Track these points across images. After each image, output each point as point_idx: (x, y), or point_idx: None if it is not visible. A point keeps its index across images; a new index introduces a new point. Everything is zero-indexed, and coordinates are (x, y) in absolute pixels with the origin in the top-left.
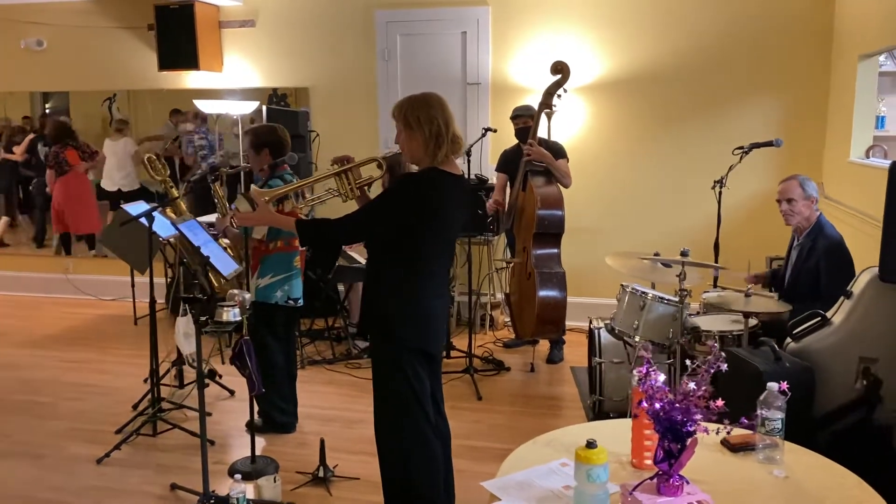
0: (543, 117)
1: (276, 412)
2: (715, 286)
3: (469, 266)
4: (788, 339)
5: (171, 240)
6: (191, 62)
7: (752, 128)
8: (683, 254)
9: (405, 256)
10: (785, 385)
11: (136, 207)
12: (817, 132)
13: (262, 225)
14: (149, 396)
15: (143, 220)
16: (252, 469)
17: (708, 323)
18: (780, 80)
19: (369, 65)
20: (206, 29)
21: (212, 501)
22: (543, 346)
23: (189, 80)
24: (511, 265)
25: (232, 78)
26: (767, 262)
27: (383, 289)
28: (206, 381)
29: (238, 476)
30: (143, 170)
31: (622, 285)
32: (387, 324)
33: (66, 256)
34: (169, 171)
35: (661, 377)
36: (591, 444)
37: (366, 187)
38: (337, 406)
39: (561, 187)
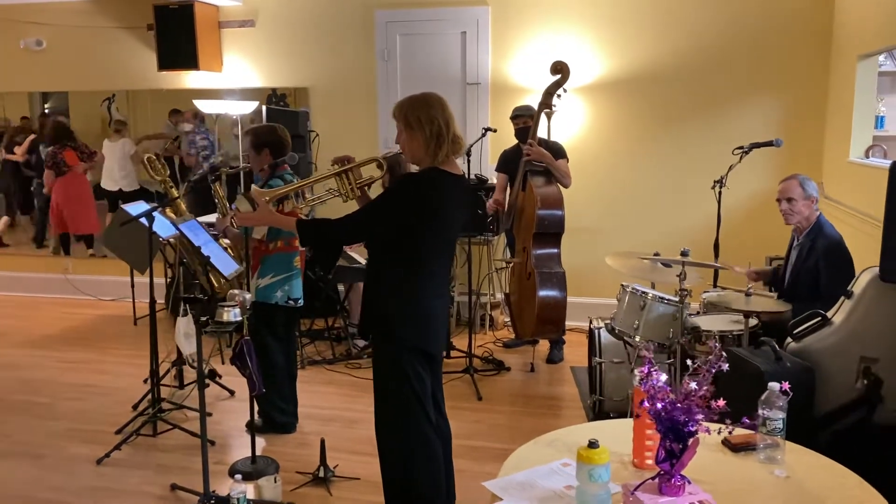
0: (543, 117)
1: (276, 412)
2: (715, 286)
3: (469, 266)
4: (789, 339)
5: (171, 240)
6: (190, 62)
7: (751, 128)
8: (683, 254)
9: (405, 256)
10: (787, 385)
11: (135, 208)
12: (817, 132)
13: (262, 225)
14: (149, 397)
15: (143, 220)
16: (252, 469)
17: (708, 323)
18: (780, 80)
19: (369, 65)
20: (206, 29)
21: (212, 502)
22: (543, 346)
23: (188, 80)
24: (511, 265)
25: (231, 78)
26: (767, 262)
27: (384, 289)
28: (207, 381)
29: (238, 476)
30: (142, 170)
31: (622, 285)
32: (387, 324)
33: (64, 257)
34: (169, 171)
35: (663, 377)
36: (592, 444)
37: (366, 187)
38: (337, 406)
39: (561, 187)
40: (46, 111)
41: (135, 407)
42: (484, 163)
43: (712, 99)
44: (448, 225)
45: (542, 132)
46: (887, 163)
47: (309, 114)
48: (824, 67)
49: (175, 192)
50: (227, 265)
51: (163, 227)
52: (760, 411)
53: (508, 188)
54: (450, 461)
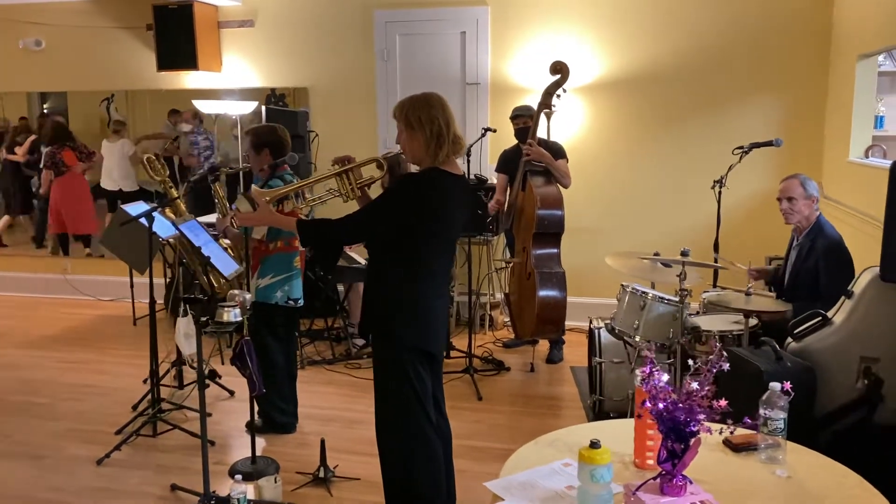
0: (543, 117)
1: (276, 412)
2: (714, 286)
3: (469, 266)
4: (789, 339)
5: (171, 240)
6: (189, 62)
7: (751, 128)
8: (684, 254)
9: (406, 256)
10: (788, 385)
11: (135, 208)
12: (816, 132)
13: (262, 225)
14: (148, 397)
15: (142, 220)
16: (252, 469)
17: (708, 323)
18: (780, 80)
19: (368, 65)
20: (205, 29)
21: (212, 502)
22: (543, 345)
23: (188, 80)
24: (510, 265)
25: (231, 78)
26: (767, 262)
27: (384, 289)
28: (207, 381)
29: (239, 477)
30: (141, 170)
31: (622, 285)
32: (387, 324)
33: (63, 257)
34: (168, 172)
35: (665, 377)
36: (594, 445)
37: (366, 187)
38: (337, 406)
39: (560, 187)
40: (45, 111)
41: (134, 407)
42: (483, 163)
43: (712, 99)
44: (448, 225)
45: (541, 132)
46: (887, 163)
47: (308, 114)
48: (824, 67)
49: (175, 193)
50: (227, 265)
51: (162, 227)
52: (762, 411)
53: (508, 188)
54: (450, 461)
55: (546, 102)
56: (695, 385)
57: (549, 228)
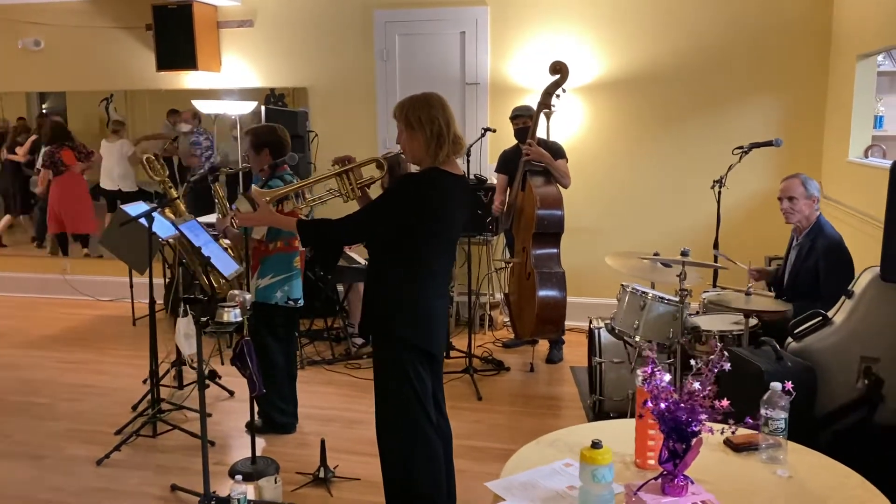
0: (542, 117)
1: (276, 413)
2: (714, 285)
3: (469, 266)
4: (789, 339)
5: (171, 240)
6: (189, 62)
7: (751, 128)
8: (684, 253)
9: (406, 256)
10: (789, 385)
11: (135, 208)
12: (816, 132)
13: (263, 225)
14: (148, 397)
15: (142, 220)
16: (253, 470)
17: (708, 322)
18: (779, 79)
19: (368, 65)
20: (205, 29)
21: (212, 502)
22: (543, 345)
23: (187, 80)
24: (510, 265)
25: (230, 78)
26: (766, 262)
27: (384, 289)
28: (207, 381)
29: (239, 477)
30: (141, 170)
31: (622, 285)
32: (388, 324)
33: (63, 257)
34: (168, 172)
35: (667, 377)
36: (596, 445)
37: (366, 187)
38: (337, 406)
39: (560, 187)
40: (44, 111)
41: (134, 408)
42: (483, 163)
43: (712, 99)
44: (449, 225)
45: (541, 132)
46: (886, 163)
47: (308, 114)
48: (823, 67)
49: (174, 193)
50: (227, 266)
51: (162, 227)
52: (763, 411)
53: (508, 189)
54: (450, 461)
55: (545, 102)
56: (696, 385)
57: (548, 228)
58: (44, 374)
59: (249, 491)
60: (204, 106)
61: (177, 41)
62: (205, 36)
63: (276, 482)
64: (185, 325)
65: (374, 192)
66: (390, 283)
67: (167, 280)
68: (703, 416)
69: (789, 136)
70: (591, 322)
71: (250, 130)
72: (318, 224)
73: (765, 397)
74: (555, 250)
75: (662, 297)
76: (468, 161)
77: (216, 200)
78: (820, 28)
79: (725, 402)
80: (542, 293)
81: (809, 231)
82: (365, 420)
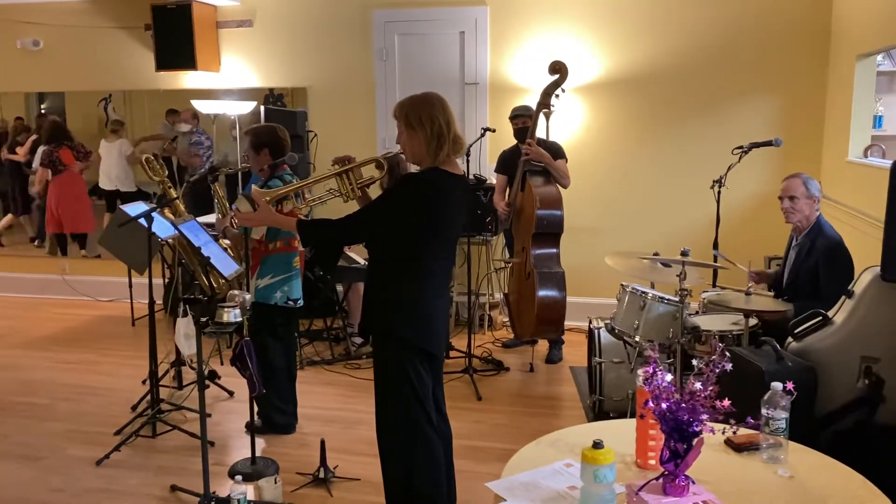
0: (542, 117)
1: (275, 413)
2: (714, 285)
3: (468, 266)
4: (789, 339)
5: (170, 241)
6: (188, 62)
7: (750, 127)
8: (684, 253)
9: (406, 256)
10: (791, 385)
11: (134, 208)
12: (815, 132)
13: (263, 225)
14: (148, 398)
15: (141, 220)
16: (252, 470)
17: (708, 322)
18: (779, 79)
19: (367, 65)
20: (204, 29)
21: (212, 503)
22: (542, 345)
23: (186, 80)
24: (510, 265)
25: (229, 78)
26: (766, 262)
27: (384, 289)
28: (206, 382)
29: (239, 477)
30: (140, 171)
31: (622, 285)
32: (388, 324)
33: (61, 257)
34: (167, 172)
35: (668, 377)
36: (597, 445)
37: (366, 187)
38: (337, 407)
39: (560, 187)
40: (43, 111)
41: (134, 408)
42: (483, 163)
43: (711, 99)
44: (449, 225)
45: (540, 132)
46: (885, 162)
47: (307, 114)
48: (823, 67)
49: (174, 193)
50: (227, 266)
51: (162, 227)
52: (764, 411)
53: (508, 189)
54: (450, 462)
55: (545, 102)
56: (698, 385)
57: (548, 228)
58: (43, 375)
59: (249, 491)
60: (203, 106)
61: (176, 41)
62: (204, 36)
63: (275, 482)
64: (185, 325)
65: (374, 192)
66: (390, 283)
67: (166, 280)
68: (705, 416)
69: (789, 136)
70: (590, 322)
71: (250, 130)
72: (318, 224)
73: (766, 397)
74: (554, 250)
75: (662, 297)
76: (468, 161)
77: (215, 200)
78: (819, 28)
79: (727, 402)
80: (541, 293)
81: (809, 231)
82: (365, 420)
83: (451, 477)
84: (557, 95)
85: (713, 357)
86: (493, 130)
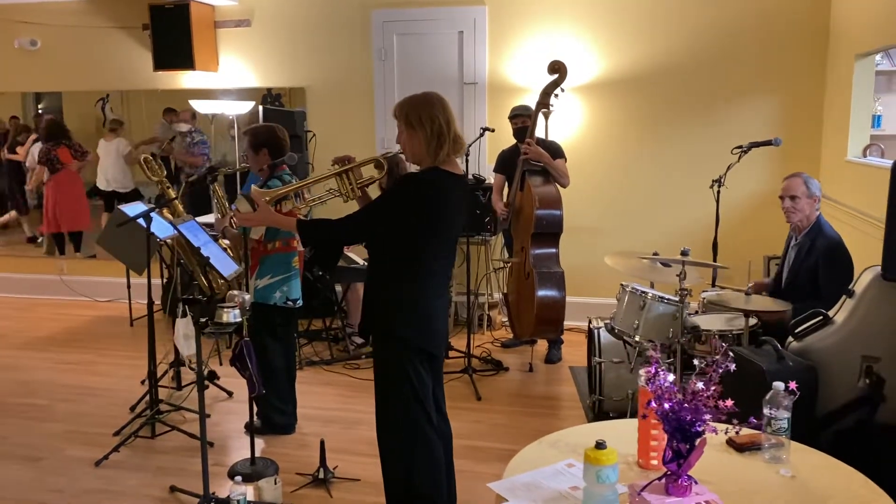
0: (541, 117)
1: (275, 413)
2: (713, 285)
3: (467, 266)
4: (790, 338)
5: (169, 241)
6: (186, 62)
7: (749, 127)
8: (684, 253)
9: (406, 256)
10: (793, 385)
11: (133, 208)
12: (814, 131)
13: (262, 225)
14: (146, 398)
15: (140, 220)
16: (252, 471)
17: (707, 322)
18: (778, 79)
19: (366, 65)
20: (202, 29)
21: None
22: (542, 345)
23: (184, 80)
24: (509, 265)
25: (227, 78)
26: (765, 262)
27: (384, 289)
28: (206, 382)
29: (238, 478)
30: (138, 170)
31: (622, 285)
32: (388, 324)
33: (58, 256)
34: (165, 172)
35: (671, 377)
36: (600, 445)
37: (366, 187)
38: (336, 407)
39: (559, 187)
40: (40, 111)
41: (132, 409)
42: (482, 163)
43: (711, 98)
44: (449, 225)
45: (539, 132)
46: (884, 162)
47: (305, 114)
48: (822, 67)
49: (172, 193)
50: (226, 266)
51: (160, 227)
52: (766, 411)
53: (507, 188)
54: (450, 461)
55: (544, 102)
56: (700, 385)
57: (547, 228)
58: (41, 376)
59: (249, 492)
60: (201, 106)
61: (174, 41)
62: (202, 36)
63: (275, 483)
64: (185, 325)
65: (373, 192)
66: (390, 283)
67: (164, 280)
68: (707, 416)
69: (788, 136)
70: (590, 322)
71: (249, 130)
72: (318, 224)
73: (767, 397)
74: (554, 250)
75: (662, 297)
76: (466, 161)
77: (214, 201)
78: (818, 27)
79: (729, 402)
80: (541, 293)
81: (809, 230)
82: (364, 420)
83: (452, 477)
84: (557, 95)
85: (716, 357)
86: (493, 130)
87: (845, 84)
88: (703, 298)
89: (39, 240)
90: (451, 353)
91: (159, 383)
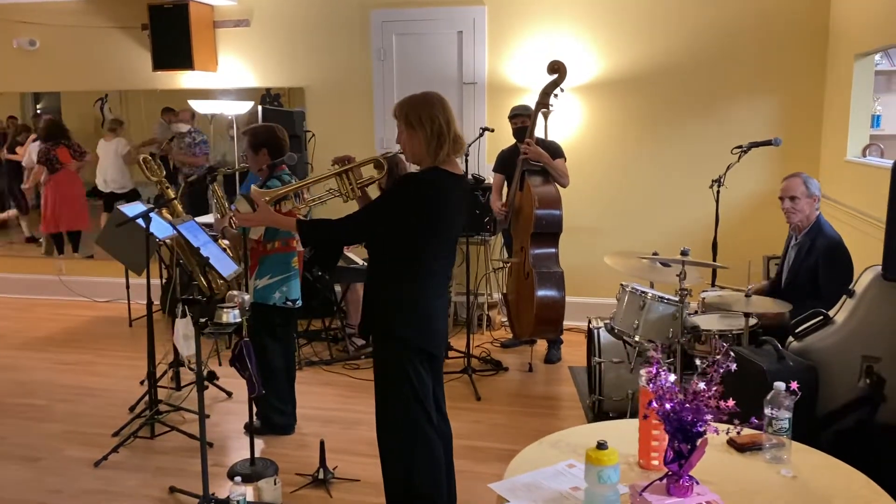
0: (540, 117)
1: (274, 414)
2: (713, 285)
3: (467, 266)
4: (790, 338)
5: (168, 241)
6: (185, 62)
7: (748, 127)
8: (684, 253)
9: (406, 256)
10: (795, 385)
11: (132, 208)
12: (814, 131)
13: (262, 225)
14: (146, 399)
15: (139, 221)
16: (251, 471)
17: (707, 322)
18: (777, 79)
19: (365, 65)
20: (201, 29)
21: None
22: (541, 345)
23: (183, 80)
24: (508, 265)
25: (226, 78)
26: (765, 262)
27: (384, 289)
28: (205, 382)
29: (238, 478)
30: (137, 170)
31: (622, 285)
32: (388, 324)
33: (57, 256)
34: (165, 172)
35: (672, 377)
36: (601, 446)
37: (366, 187)
38: (336, 407)
39: (558, 187)
40: (38, 111)
41: (132, 409)
42: (481, 163)
43: (710, 98)
44: (449, 225)
45: (539, 132)
46: (884, 161)
47: (304, 114)
48: (821, 67)
49: (171, 193)
50: (226, 266)
51: (160, 228)
52: (767, 411)
53: (505, 188)
54: (451, 462)
55: (543, 102)
56: (702, 385)
57: (547, 228)
58: (40, 376)
59: (248, 492)
60: (200, 106)
61: (173, 41)
62: (201, 36)
63: (275, 483)
64: (184, 326)
65: (373, 192)
66: (390, 283)
67: (164, 281)
68: (709, 417)
69: (787, 136)
70: (590, 322)
71: (248, 130)
72: (318, 224)
73: (769, 397)
74: (553, 250)
75: (662, 297)
76: (466, 161)
77: (214, 201)
78: (818, 27)
79: (731, 403)
80: (540, 293)
81: (809, 230)
82: (364, 421)
83: (452, 477)
84: (556, 95)
85: (717, 357)
86: (492, 130)
87: (845, 84)
88: (703, 298)
89: (40, 239)
90: (451, 354)
91: (158, 384)
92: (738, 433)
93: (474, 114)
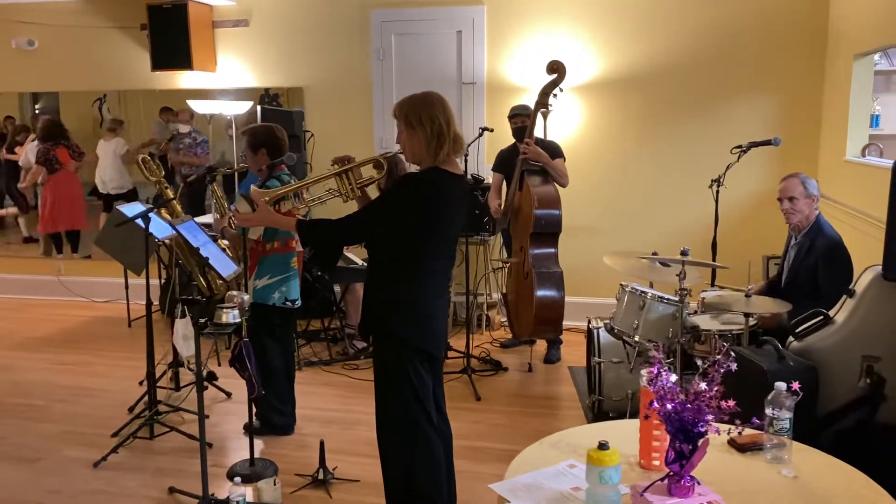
0: (540, 117)
1: (274, 414)
2: (713, 285)
3: (466, 266)
4: (790, 338)
5: (167, 241)
6: (184, 62)
7: (748, 127)
8: (683, 253)
9: (406, 256)
10: (796, 385)
11: (131, 208)
12: (813, 131)
13: (262, 226)
14: (145, 399)
15: (138, 221)
16: (251, 472)
17: (707, 322)
18: (776, 79)
19: (364, 64)
20: (200, 29)
21: None
22: (541, 345)
23: (182, 80)
24: (508, 265)
25: (225, 78)
26: (764, 261)
27: (384, 289)
28: (204, 383)
29: (237, 479)
30: (136, 171)
31: (622, 285)
32: (388, 324)
33: (56, 256)
34: (164, 172)
35: (673, 377)
36: (603, 446)
37: (366, 187)
38: (335, 407)
39: (558, 187)
40: (37, 111)
41: (131, 409)
42: (480, 163)
43: (709, 98)
44: (448, 225)
45: (538, 132)
46: (883, 161)
47: (304, 114)
48: (820, 66)
49: (170, 193)
50: (226, 266)
51: (159, 228)
52: (768, 411)
53: (505, 187)
54: (450, 462)
55: (543, 102)
56: (703, 385)
57: (546, 228)
58: (38, 376)
59: (248, 493)
60: (199, 106)
61: (172, 41)
62: (200, 35)
63: (274, 484)
64: (184, 326)
65: (373, 192)
66: (390, 283)
67: (163, 281)
68: (710, 417)
69: (787, 136)
70: (589, 322)
71: (247, 130)
72: (317, 224)
73: (770, 397)
74: (552, 250)
75: (662, 297)
76: (465, 161)
77: (213, 201)
78: (817, 27)
79: (732, 403)
80: (540, 293)
81: (809, 230)
82: (364, 421)
83: (452, 477)
84: (555, 95)
85: (718, 357)
86: (491, 130)
87: (844, 84)
88: (703, 298)
89: (38, 239)
90: (451, 354)
91: (158, 384)
92: (739, 433)
93: (473, 114)
